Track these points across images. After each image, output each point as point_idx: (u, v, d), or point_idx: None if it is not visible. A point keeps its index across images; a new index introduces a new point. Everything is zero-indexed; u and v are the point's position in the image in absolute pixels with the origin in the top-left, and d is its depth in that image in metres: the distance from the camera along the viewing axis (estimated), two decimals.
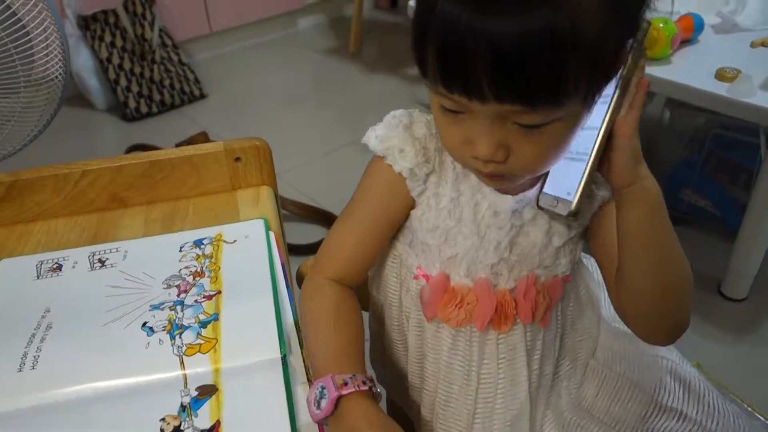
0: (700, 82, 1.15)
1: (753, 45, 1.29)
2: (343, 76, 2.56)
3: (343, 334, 0.57)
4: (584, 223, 0.60)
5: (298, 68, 2.67)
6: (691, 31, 1.29)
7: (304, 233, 1.65)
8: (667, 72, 1.20)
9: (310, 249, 1.57)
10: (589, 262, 0.67)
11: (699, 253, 1.47)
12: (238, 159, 0.77)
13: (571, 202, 0.52)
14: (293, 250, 1.57)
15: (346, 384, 0.50)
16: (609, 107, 0.49)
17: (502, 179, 0.53)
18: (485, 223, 0.57)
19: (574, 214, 0.52)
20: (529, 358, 0.62)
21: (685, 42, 1.30)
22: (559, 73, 0.43)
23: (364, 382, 0.51)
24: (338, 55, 2.74)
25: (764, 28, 1.34)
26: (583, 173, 0.51)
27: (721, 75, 1.16)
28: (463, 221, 0.58)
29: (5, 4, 0.72)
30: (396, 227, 0.62)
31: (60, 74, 0.80)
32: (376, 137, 0.59)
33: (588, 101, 0.47)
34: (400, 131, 0.58)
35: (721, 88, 1.13)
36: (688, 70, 1.20)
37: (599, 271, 0.61)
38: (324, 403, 0.49)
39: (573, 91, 0.45)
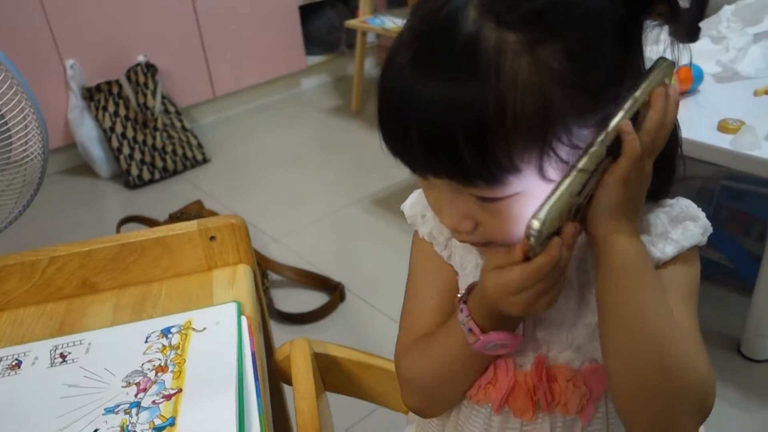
0: (702, 135, 1.12)
1: (756, 93, 1.26)
2: (347, 135, 2.56)
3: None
4: None
5: (301, 128, 2.69)
6: (690, 82, 1.26)
7: (301, 300, 1.61)
8: None
9: (306, 318, 1.53)
10: None
11: (717, 310, 1.41)
12: (213, 238, 0.74)
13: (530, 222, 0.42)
14: (289, 318, 1.53)
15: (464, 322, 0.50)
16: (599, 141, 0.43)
17: (486, 246, 0.49)
18: None
19: (535, 242, 0.43)
20: None
21: (685, 93, 1.26)
22: (488, 150, 0.40)
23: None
24: (341, 114, 2.75)
25: (767, 75, 1.31)
26: (555, 190, 0.43)
27: (723, 127, 1.12)
28: None
29: None
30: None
31: (38, 154, 0.78)
32: (408, 205, 0.59)
33: (548, 172, 0.42)
34: (423, 198, 0.57)
35: (724, 141, 1.09)
36: (688, 123, 1.15)
37: None
38: (496, 340, 0.49)
39: (515, 169, 0.41)
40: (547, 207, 0.42)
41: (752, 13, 1.38)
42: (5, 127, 0.75)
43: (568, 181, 0.43)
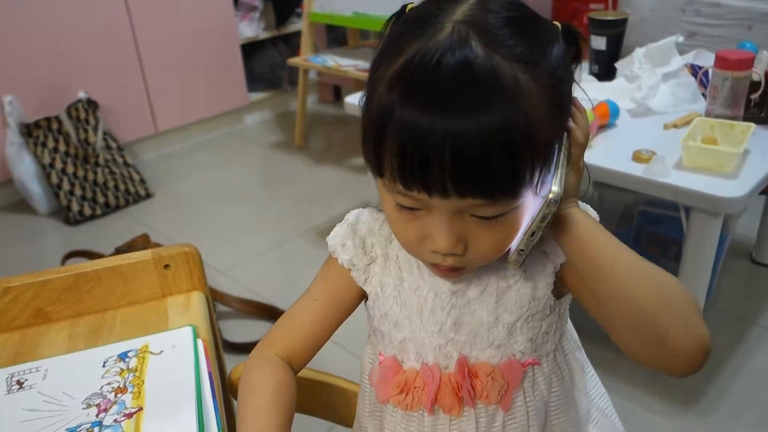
0: (619, 165, 1.22)
1: (666, 127, 1.39)
2: (290, 170, 2.60)
3: (275, 416, 0.58)
4: (543, 299, 0.59)
5: (245, 164, 2.71)
6: (607, 117, 1.37)
7: (247, 330, 1.62)
8: (587, 156, 1.25)
9: (254, 347, 1.53)
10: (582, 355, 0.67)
11: None
12: (167, 266, 0.77)
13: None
14: (235, 348, 1.54)
15: None
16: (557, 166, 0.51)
17: (458, 272, 0.54)
18: (427, 306, 0.59)
19: (520, 260, 0.52)
20: None
21: (603, 127, 1.38)
22: (517, 166, 0.46)
23: None
24: (285, 149, 2.79)
25: (675, 110, 1.45)
26: (532, 217, 0.50)
27: (637, 157, 1.23)
28: (408, 306, 0.60)
29: None
30: (347, 314, 0.65)
31: None
32: (331, 236, 0.65)
33: (537, 188, 0.49)
34: (344, 228, 0.64)
35: (638, 170, 1.20)
36: (606, 153, 1.27)
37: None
38: None
39: (528, 182, 0.47)
40: (557, 179, 0.50)
41: (660, 55, 1.52)
42: None
43: (561, 161, 0.51)
